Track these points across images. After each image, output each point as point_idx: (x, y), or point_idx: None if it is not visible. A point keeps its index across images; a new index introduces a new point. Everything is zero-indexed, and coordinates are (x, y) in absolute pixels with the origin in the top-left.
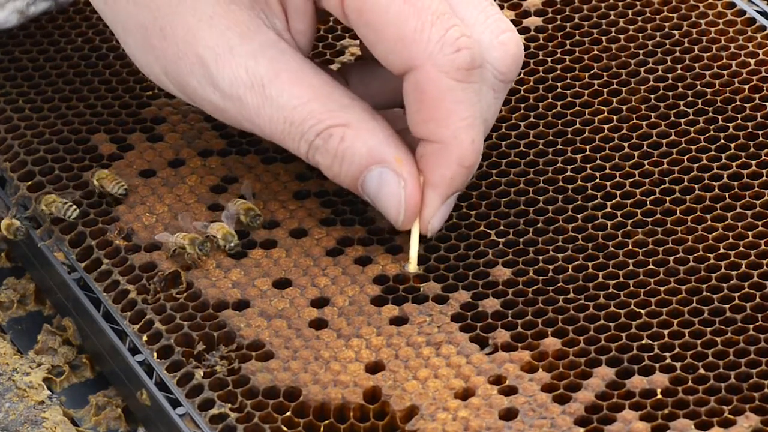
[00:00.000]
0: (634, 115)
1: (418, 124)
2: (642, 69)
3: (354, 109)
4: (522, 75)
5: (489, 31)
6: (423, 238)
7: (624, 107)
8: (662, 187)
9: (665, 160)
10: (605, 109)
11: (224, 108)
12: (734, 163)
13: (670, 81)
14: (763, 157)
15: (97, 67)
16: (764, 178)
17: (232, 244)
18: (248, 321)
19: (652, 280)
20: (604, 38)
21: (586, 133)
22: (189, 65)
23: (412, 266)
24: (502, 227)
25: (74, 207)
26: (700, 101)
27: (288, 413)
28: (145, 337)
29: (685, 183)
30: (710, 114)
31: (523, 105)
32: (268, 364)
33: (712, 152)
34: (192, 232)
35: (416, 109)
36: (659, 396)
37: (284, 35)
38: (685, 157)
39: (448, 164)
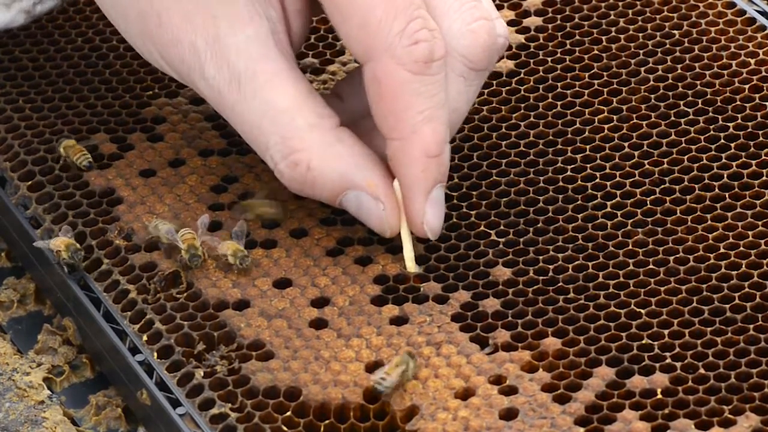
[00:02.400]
0: (634, 115)
1: (380, 119)
2: (642, 69)
3: (320, 129)
4: (522, 75)
5: (461, 20)
6: (419, 238)
7: (624, 107)
8: (662, 186)
9: (665, 160)
10: (605, 108)
11: (209, 97)
12: (734, 163)
13: (670, 81)
14: (764, 157)
15: (97, 66)
16: (764, 178)
17: (245, 260)
18: (248, 321)
19: (652, 280)
20: (604, 38)
21: (586, 133)
22: (182, 52)
23: (410, 266)
24: (502, 227)
25: (87, 157)
26: (700, 101)
27: (288, 413)
28: (145, 337)
29: (686, 183)
30: (710, 114)
31: (523, 105)
32: (269, 363)
33: (713, 152)
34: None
35: (375, 102)
36: (659, 396)
37: (278, 26)
38: (686, 157)
39: (414, 159)
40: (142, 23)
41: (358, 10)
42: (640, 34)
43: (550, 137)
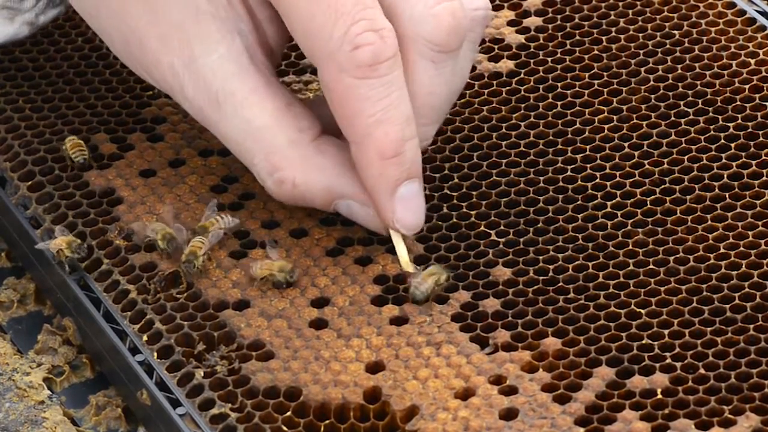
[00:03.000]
0: (634, 115)
1: (338, 123)
2: (642, 69)
3: (300, 144)
4: (522, 75)
5: (423, 3)
6: (421, 237)
7: (624, 107)
8: (662, 187)
9: (665, 160)
10: (605, 109)
11: (194, 115)
12: (734, 163)
13: (670, 81)
14: (764, 157)
15: (97, 67)
16: (764, 178)
17: (295, 275)
18: (248, 321)
19: (652, 280)
20: (604, 38)
21: (587, 133)
22: (163, 73)
23: (405, 266)
24: (502, 227)
25: (84, 152)
26: (700, 101)
27: (288, 413)
28: (145, 337)
29: (686, 183)
30: (710, 114)
31: (523, 105)
32: (269, 364)
33: (713, 152)
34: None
35: (332, 108)
36: (659, 396)
37: (251, 38)
38: (686, 157)
39: (371, 162)
40: (127, 46)
41: (301, 19)
42: (641, 35)
43: (551, 137)
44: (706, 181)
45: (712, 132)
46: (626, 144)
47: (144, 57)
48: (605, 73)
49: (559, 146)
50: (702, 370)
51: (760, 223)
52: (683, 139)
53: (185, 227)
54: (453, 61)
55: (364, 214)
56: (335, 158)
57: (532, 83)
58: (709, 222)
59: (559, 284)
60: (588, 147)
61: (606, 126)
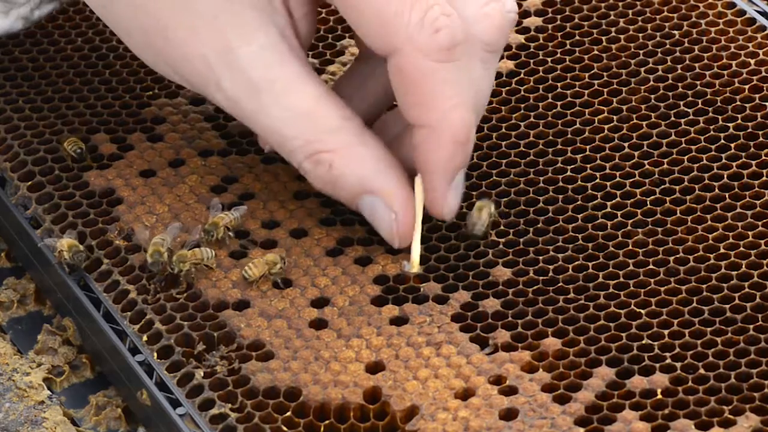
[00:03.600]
0: (634, 115)
1: (407, 109)
2: (642, 69)
3: (343, 132)
4: (522, 75)
5: (474, 3)
6: (424, 239)
7: (624, 107)
8: (662, 187)
9: (665, 160)
10: (605, 109)
11: (227, 107)
12: (734, 163)
13: (670, 81)
14: (763, 157)
15: (97, 67)
16: (764, 178)
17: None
18: (248, 321)
19: (652, 280)
20: (604, 38)
21: (586, 133)
22: (194, 66)
23: (415, 267)
24: (502, 227)
25: (82, 149)
26: (700, 101)
27: (288, 413)
28: (145, 337)
29: (686, 183)
30: (710, 114)
31: (523, 105)
32: (269, 364)
33: (713, 152)
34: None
35: (402, 93)
36: (659, 396)
37: (286, 32)
38: (686, 157)
39: (442, 146)
40: (148, 39)
41: (373, 6)
42: (640, 35)
43: (550, 137)
44: (706, 181)
45: (711, 132)
46: (626, 144)
47: (170, 50)
48: (605, 73)
49: (559, 146)
50: (702, 371)
51: (759, 223)
52: (683, 140)
53: (185, 227)
54: (494, 62)
55: (387, 218)
56: (376, 152)
57: (531, 83)
58: (709, 222)
59: (559, 284)
60: (588, 147)
61: (606, 126)
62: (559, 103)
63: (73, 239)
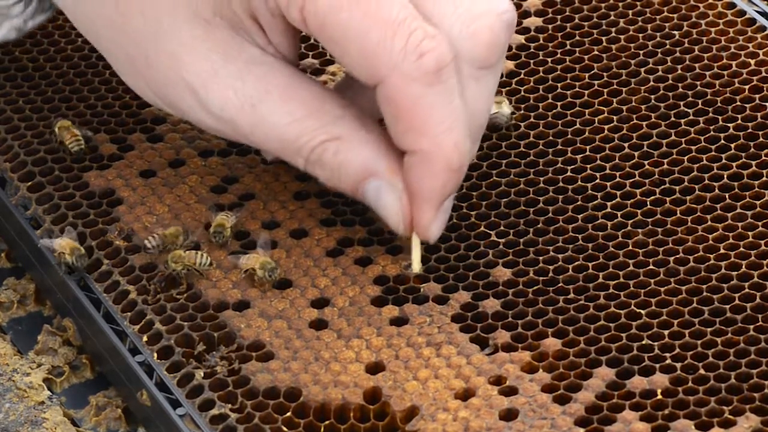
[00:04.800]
0: (634, 116)
1: (398, 136)
2: (642, 69)
3: (345, 120)
4: (522, 75)
5: (459, 22)
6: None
7: (624, 108)
8: (662, 187)
9: (665, 161)
10: (605, 109)
11: (218, 129)
12: (734, 164)
13: (670, 81)
14: (763, 158)
15: (97, 67)
16: (764, 179)
17: (275, 274)
18: (248, 321)
19: (652, 281)
20: (604, 39)
21: (586, 134)
22: (178, 91)
23: (416, 268)
24: (502, 228)
25: (80, 142)
26: (700, 102)
27: (288, 414)
28: (145, 338)
29: (686, 183)
30: (710, 114)
31: (523, 105)
32: (269, 364)
33: (713, 153)
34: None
35: (392, 122)
36: (659, 396)
37: (268, 49)
38: (686, 158)
39: (435, 173)
40: (132, 65)
41: (354, 38)
42: (640, 35)
43: (550, 138)
44: (706, 181)
45: (711, 132)
46: (626, 144)
47: (153, 75)
48: (605, 74)
49: (559, 147)
50: (702, 371)
51: (760, 223)
52: (683, 140)
53: (187, 228)
54: (492, 77)
55: (392, 197)
56: (377, 135)
57: (531, 84)
58: (709, 222)
59: (559, 285)
60: (588, 147)
61: (606, 126)
62: (559, 104)
63: (73, 240)
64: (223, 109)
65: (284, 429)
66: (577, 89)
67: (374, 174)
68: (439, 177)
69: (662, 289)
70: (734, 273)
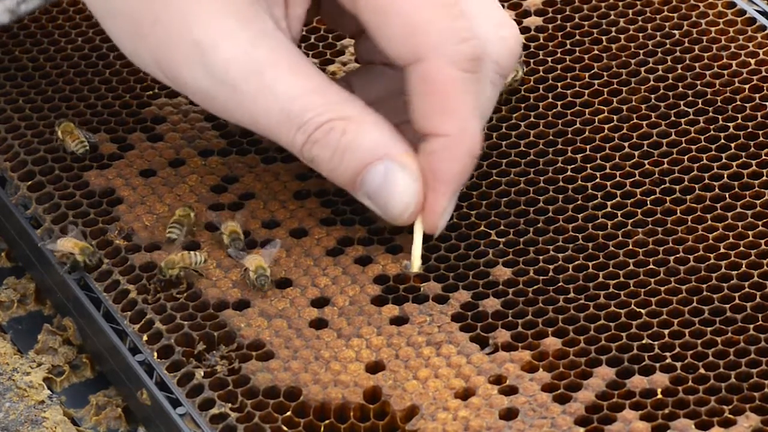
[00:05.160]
0: (634, 115)
1: (424, 117)
2: (642, 69)
3: (355, 102)
4: (522, 75)
5: (491, 25)
6: (425, 238)
7: (624, 107)
8: (662, 186)
9: (665, 160)
10: (605, 108)
11: (215, 96)
12: (734, 163)
13: (670, 81)
14: (764, 157)
15: (97, 66)
16: (764, 178)
17: (262, 281)
18: (248, 321)
19: (652, 280)
20: (604, 38)
21: (587, 133)
22: (182, 52)
23: (416, 266)
24: (502, 227)
25: (85, 145)
26: (700, 101)
27: (288, 413)
28: (145, 337)
29: (686, 183)
30: (710, 114)
31: (523, 105)
32: (269, 363)
33: (713, 152)
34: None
35: (423, 102)
36: (659, 396)
37: (281, 24)
38: (686, 157)
39: (458, 157)
40: (134, 25)
41: (402, 11)
42: (641, 34)
43: (551, 137)
44: (706, 180)
45: (712, 132)
46: (626, 144)
47: (158, 35)
48: (605, 73)
49: (559, 146)
50: (702, 370)
51: (760, 222)
52: (683, 139)
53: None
54: (499, 88)
55: (404, 179)
56: (385, 120)
57: (532, 83)
58: (709, 222)
59: (559, 284)
60: (588, 147)
61: (606, 126)
62: (559, 103)
63: (78, 239)
64: (227, 72)
65: (284, 428)
66: (577, 88)
67: (385, 155)
68: (461, 162)
69: (662, 289)
70: (734, 272)
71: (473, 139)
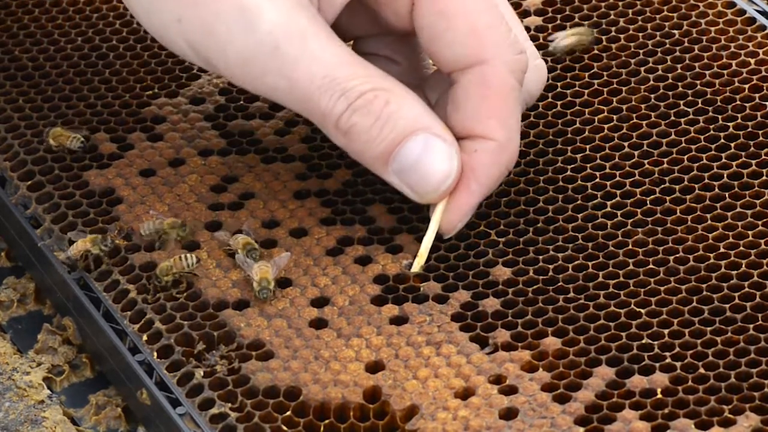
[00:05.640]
0: (634, 115)
1: (478, 119)
2: (642, 68)
3: (392, 78)
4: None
5: (529, 51)
6: (420, 237)
7: (624, 107)
8: (662, 186)
9: (665, 160)
10: (605, 108)
11: (254, 58)
12: (734, 163)
13: (670, 80)
14: (763, 157)
15: (97, 66)
16: (764, 178)
17: (264, 293)
18: (248, 320)
19: (652, 280)
20: (604, 38)
21: (586, 133)
22: (223, 11)
23: (418, 265)
24: (502, 227)
25: (79, 139)
26: (700, 100)
27: (288, 413)
28: (145, 337)
29: (685, 182)
30: (710, 113)
31: None
32: (268, 363)
33: (712, 151)
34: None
35: (479, 104)
36: (659, 395)
37: (313, 2)
38: (685, 157)
39: (500, 164)
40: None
41: (467, 14)
42: (640, 34)
43: (550, 137)
44: (706, 180)
45: (711, 131)
46: (626, 143)
47: (199, 6)
48: (605, 73)
49: (559, 146)
50: (702, 370)
51: (759, 222)
52: (683, 139)
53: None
54: (523, 110)
55: (444, 151)
56: (421, 98)
57: None
58: (709, 221)
59: (559, 284)
60: (588, 146)
61: (606, 125)
62: (559, 103)
63: (83, 236)
64: (271, 33)
65: (284, 428)
66: (577, 88)
67: (426, 128)
68: (501, 169)
69: (662, 288)
70: (734, 272)
71: (515, 152)
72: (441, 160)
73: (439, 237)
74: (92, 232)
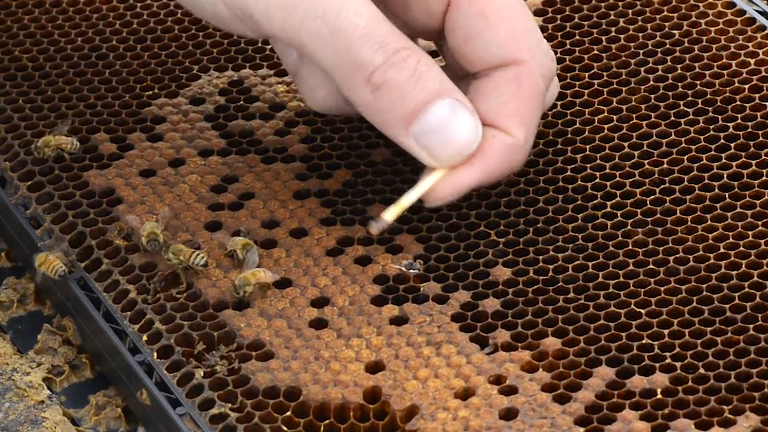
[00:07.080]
0: (634, 115)
1: (504, 114)
2: (642, 69)
3: (419, 48)
4: None
5: (549, 63)
6: (420, 237)
7: (624, 107)
8: (662, 186)
9: (665, 160)
10: (605, 108)
11: (298, 3)
12: (734, 163)
13: (670, 81)
14: (763, 157)
15: (97, 66)
16: (764, 178)
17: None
18: (248, 321)
19: (652, 280)
20: (604, 38)
21: (586, 133)
22: None
23: (390, 215)
24: (502, 227)
25: (74, 143)
26: (700, 101)
27: (288, 413)
28: (145, 337)
29: (685, 183)
30: (710, 114)
31: None
32: (268, 363)
33: (712, 152)
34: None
35: (506, 100)
36: (659, 396)
37: None
38: (685, 157)
39: (510, 159)
40: None
41: (506, 16)
42: (640, 34)
43: (550, 137)
44: (706, 180)
45: (711, 132)
46: (626, 144)
47: None
48: (605, 73)
49: (559, 146)
50: (702, 370)
51: (759, 222)
52: (683, 139)
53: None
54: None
55: (468, 116)
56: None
57: None
58: (709, 222)
59: (559, 284)
60: (588, 147)
61: (606, 126)
62: (559, 103)
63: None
64: None
65: (284, 428)
66: (576, 88)
67: (451, 92)
68: (511, 164)
69: (662, 289)
70: (734, 272)
71: (526, 154)
72: (467, 126)
73: (437, 237)
74: (92, 232)
